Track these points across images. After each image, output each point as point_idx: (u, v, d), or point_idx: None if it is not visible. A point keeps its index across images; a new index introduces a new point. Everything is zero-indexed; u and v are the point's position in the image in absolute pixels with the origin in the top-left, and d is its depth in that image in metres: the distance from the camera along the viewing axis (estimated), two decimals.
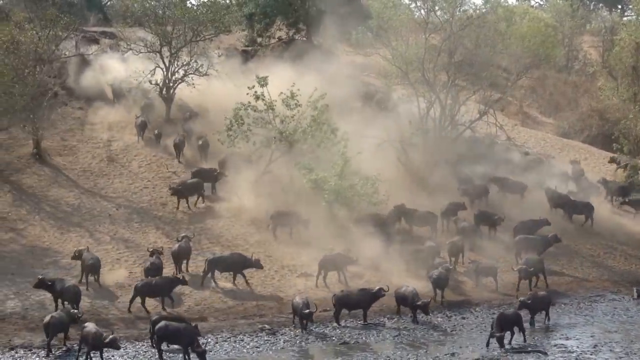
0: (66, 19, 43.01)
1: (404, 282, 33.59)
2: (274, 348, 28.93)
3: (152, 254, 33.29)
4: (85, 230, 36.60)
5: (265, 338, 29.74)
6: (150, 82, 44.81)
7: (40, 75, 42.22)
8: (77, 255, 33.02)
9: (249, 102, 40.74)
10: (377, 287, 31.97)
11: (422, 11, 47.64)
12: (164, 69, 45.29)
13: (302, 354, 28.62)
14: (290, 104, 40.69)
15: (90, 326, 26.78)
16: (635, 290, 37.07)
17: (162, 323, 27.20)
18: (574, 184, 45.90)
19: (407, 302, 31.92)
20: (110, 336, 26.45)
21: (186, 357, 26.77)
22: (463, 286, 35.94)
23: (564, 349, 29.28)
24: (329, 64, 48.89)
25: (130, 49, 45.54)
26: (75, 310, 28.71)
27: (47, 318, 27.59)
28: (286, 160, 40.79)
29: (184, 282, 31.84)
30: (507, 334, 28.94)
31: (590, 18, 77.64)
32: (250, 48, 55.93)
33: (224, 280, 33.78)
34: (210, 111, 45.82)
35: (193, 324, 27.86)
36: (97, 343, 26.31)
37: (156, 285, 31.10)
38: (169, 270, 33.18)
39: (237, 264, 33.58)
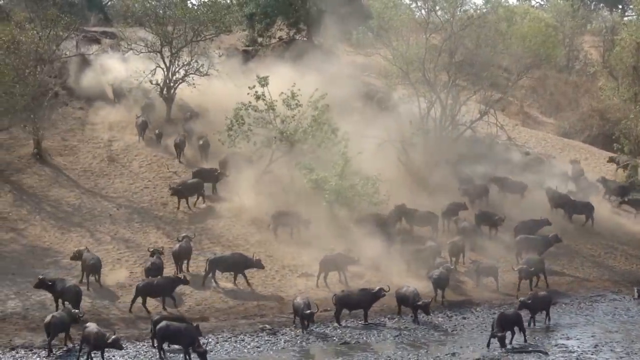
0: (67, 19, 43.01)
1: (405, 282, 33.59)
2: (274, 348, 28.93)
3: (152, 254, 33.29)
4: (86, 230, 36.61)
5: (266, 338, 29.74)
6: (150, 82, 44.82)
7: (40, 75, 42.24)
8: (77, 256, 33.00)
9: (250, 102, 40.76)
10: (378, 287, 31.97)
11: (423, 11, 47.72)
12: (165, 69, 45.31)
13: (302, 354, 28.62)
14: (291, 104, 40.70)
15: (92, 326, 26.78)
16: (636, 290, 37.06)
17: (163, 323, 27.20)
18: (573, 184, 45.88)
19: (408, 302, 31.91)
20: (113, 336, 26.47)
21: (187, 357, 26.77)
22: (464, 286, 35.94)
23: (564, 349, 29.28)
24: (329, 64, 48.92)
25: (131, 49, 45.54)
26: (77, 310, 28.71)
27: (48, 318, 27.59)
28: (287, 160, 40.80)
29: (185, 282, 31.84)
30: (508, 334, 28.93)
31: (591, 18, 77.64)
32: (250, 48, 55.96)
33: (224, 280, 33.79)
34: (211, 111, 45.83)
35: (194, 324, 27.88)
36: (99, 343, 26.33)
37: (158, 285, 31.10)
38: (169, 270, 33.17)
39: (239, 264, 33.58)
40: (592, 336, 31.04)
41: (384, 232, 37.34)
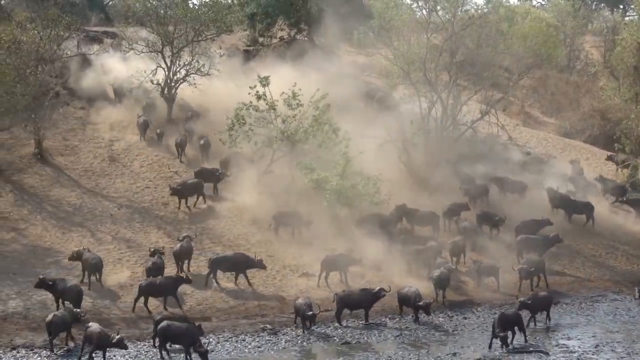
0: (68, 18, 43.01)
1: (406, 282, 33.60)
2: (275, 348, 28.94)
3: (153, 254, 33.28)
4: (86, 230, 36.62)
5: (267, 338, 29.75)
6: (151, 81, 44.83)
7: (42, 75, 42.24)
8: (76, 256, 32.95)
9: (251, 102, 40.78)
10: (378, 288, 31.96)
11: (424, 11, 47.74)
12: (166, 69, 45.33)
13: (303, 354, 28.63)
14: (292, 103, 40.71)
15: (94, 326, 26.79)
16: (637, 290, 37.05)
17: (164, 323, 27.21)
18: (575, 184, 45.86)
19: (410, 303, 31.91)
20: (117, 336, 26.48)
21: (188, 357, 26.77)
22: (465, 286, 35.94)
23: (565, 349, 29.27)
24: (330, 63, 48.96)
25: (132, 48, 45.53)
26: (78, 310, 28.72)
27: (50, 317, 27.62)
28: (288, 160, 40.80)
29: (188, 281, 31.86)
30: (509, 334, 28.93)
31: (592, 18, 77.61)
32: (252, 48, 55.99)
33: (225, 280, 33.79)
34: (212, 111, 45.85)
35: (197, 324, 27.90)
36: (102, 343, 26.34)
37: (160, 285, 31.12)
38: (170, 270, 33.16)
39: (240, 264, 33.58)
40: (593, 336, 31.04)
41: (385, 232, 37.33)
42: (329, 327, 30.98)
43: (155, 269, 32.17)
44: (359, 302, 31.68)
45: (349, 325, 31.42)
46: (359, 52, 54.25)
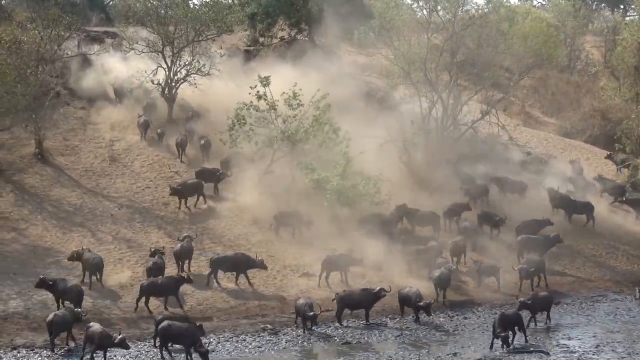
0: (68, 18, 43.02)
1: (406, 282, 33.60)
2: (276, 348, 28.94)
3: (153, 254, 33.27)
4: (87, 230, 36.62)
5: (268, 338, 29.76)
6: (152, 81, 44.84)
7: (42, 75, 42.25)
8: (74, 257, 32.91)
9: (251, 102, 40.78)
10: (379, 288, 31.96)
11: (425, 11, 47.74)
12: (166, 69, 45.33)
13: (304, 354, 28.63)
14: (293, 103, 40.70)
15: (95, 326, 26.80)
16: (637, 290, 37.06)
17: (165, 323, 27.22)
18: (574, 184, 45.85)
19: (410, 303, 31.91)
20: (120, 336, 26.49)
21: (189, 357, 26.78)
22: (465, 286, 35.93)
23: (566, 349, 29.27)
24: (331, 63, 48.97)
25: (133, 48, 45.53)
26: (79, 309, 28.73)
27: (51, 316, 27.64)
28: (288, 160, 40.79)
29: (189, 281, 31.87)
30: (509, 334, 28.94)
31: (593, 18, 77.55)
32: (252, 48, 55.98)
33: (226, 280, 33.79)
34: (212, 111, 45.85)
35: (198, 324, 27.92)
36: (104, 343, 26.34)
37: (162, 284, 31.12)
38: (171, 270, 33.16)
39: (241, 264, 33.58)
40: (594, 336, 31.04)
41: (386, 232, 37.33)
42: (330, 327, 30.99)
43: (156, 269, 32.19)
44: (359, 302, 31.68)
45: (350, 325, 31.43)
46: (359, 52, 54.25)
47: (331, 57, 51.23)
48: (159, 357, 27.30)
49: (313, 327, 30.24)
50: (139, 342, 28.47)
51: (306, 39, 56.93)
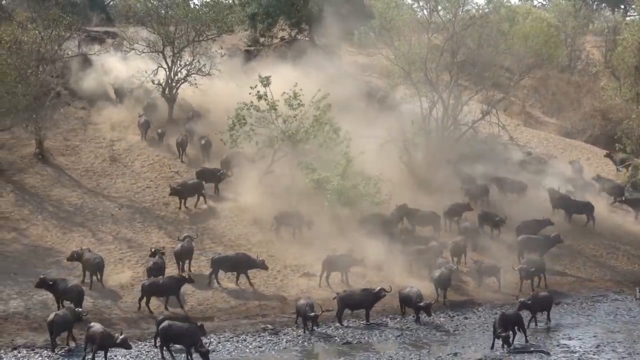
0: (69, 18, 43.05)
1: (407, 282, 33.60)
2: (276, 348, 28.95)
3: (154, 254, 33.26)
4: (87, 230, 36.63)
5: (268, 338, 29.76)
6: (152, 82, 44.84)
7: (43, 75, 42.26)
8: (76, 257, 32.88)
9: (252, 102, 40.78)
10: (379, 288, 31.95)
11: (425, 11, 47.70)
12: (167, 69, 45.34)
13: (304, 354, 28.64)
14: (293, 103, 40.70)
15: (97, 326, 26.80)
16: (638, 290, 37.08)
17: (166, 323, 27.22)
18: (574, 184, 45.86)
19: (411, 303, 31.91)
20: (121, 336, 26.50)
21: (189, 357, 26.78)
22: (466, 286, 35.93)
23: (566, 349, 29.27)
24: (331, 63, 48.95)
25: (133, 48, 45.54)
26: (80, 309, 28.73)
27: (52, 316, 27.66)
28: (289, 160, 40.78)
29: (190, 281, 31.87)
30: (510, 334, 28.95)
31: (593, 18, 77.53)
32: (252, 48, 55.98)
33: (226, 280, 33.79)
34: (213, 111, 45.85)
35: (199, 324, 27.94)
36: (106, 343, 26.35)
37: (163, 284, 31.13)
38: (171, 270, 33.15)
39: (242, 264, 33.57)
40: (594, 336, 31.04)
41: (386, 232, 37.33)
42: (330, 327, 30.99)
43: (156, 269, 32.18)
44: (360, 302, 31.68)
45: (350, 325, 31.43)
46: (359, 52, 54.21)
47: (331, 57, 51.25)
48: (160, 357, 27.30)
49: (314, 328, 30.22)
50: (140, 342, 28.47)
51: (307, 39, 56.94)
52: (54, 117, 43.07)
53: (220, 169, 40.83)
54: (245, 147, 41.29)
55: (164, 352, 27.32)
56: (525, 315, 30.96)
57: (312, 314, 29.96)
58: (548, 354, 28.60)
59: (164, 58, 45.25)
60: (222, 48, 48.61)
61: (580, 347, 29.51)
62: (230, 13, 47.91)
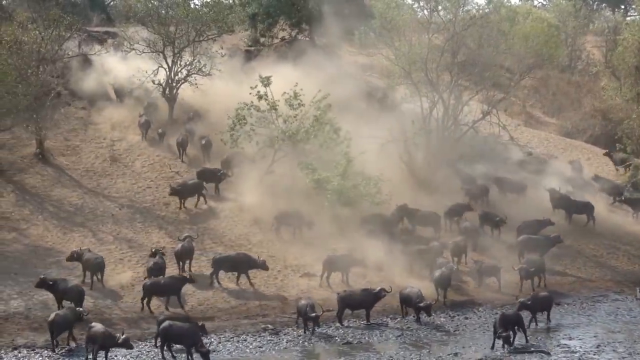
0: (69, 19, 43.09)
1: (407, 282, 33.60)
2: (276, 348, 28.95)
3: (154, 254, 33.23)
4: (88, 230, 36.64)
5: (268, 338, 29.77)
6: (153, 82, 44.85)
7: (43, 75, 42.27)
8: (75, 257, 32.86)
9: (252, 102, 40.78)
10: (379, 288, 31.95)
11: (425, 11, 47.68)
12: (167, 69, 45.34)
13: (305, 354, 28.64)
14: (294, 103, 40.70)
15: (98, 326, 26.81)
16: (638, 291, 37.09)
17: (166, 323, 27.23)
18: (573, 184, 45.86)
19: (411, 303, 31.90)
20: (123, 336, 26.51)
21: (190, 357, 26.78)
22: (466, 286, 35.92)
23: (567, 349, 29.27)
24: (331, 64, 48.92)
25: (133, 49, 45.54)
26: (80, 309, 28.73)
27: (52, 316, 27.68)
28: (289, 160, 40.77)
29: (192, 281, 31.87)
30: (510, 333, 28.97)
31: (594, 18, 77.50)
32: (253, 48, 55.98)
33: (227, 281, 33.79)
34: (213, 111, 45.84)
35: (200, 324, 27.96)
36: (108, 343, 26.35)
37: (165, 284, 31.13)
38: (172, 270, 33.15)
39: (243, 264, 33.57)
40: (595, 336, 31.04)
41: (387, 232, 37.32)
42: (331, 327, 30.99)
43: (157, 269, 32.18)
44: (360, 302, 31.68)
45: (351, 325, 31.43)
46: (360, 52, 54.18)
47: (332, 57, 51.25)
48: (160, 357, 27.30)
49: (316, 328, 30.21)
50: (140, 342, 28.47)
51: (307, 39, 56.92)
52: (54, 117, 43.08)
53: (220, 169, 40.83)
54: (246, 147, 41.28)
55: (165, 352, 27.32)
56: (526, 315, 30.97)
57: (313, 314, 29.96)
58: (548, 354, 28.60)
59: (164, 58, 45.26)
60: (222, 48, 48.62)
61: (581, 347, 29.51)
62: (231, 13, 47.93)
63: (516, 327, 29.28)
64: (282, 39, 57.49)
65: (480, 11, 47.01)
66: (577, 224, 42.40)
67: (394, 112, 46.32)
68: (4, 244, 35.06)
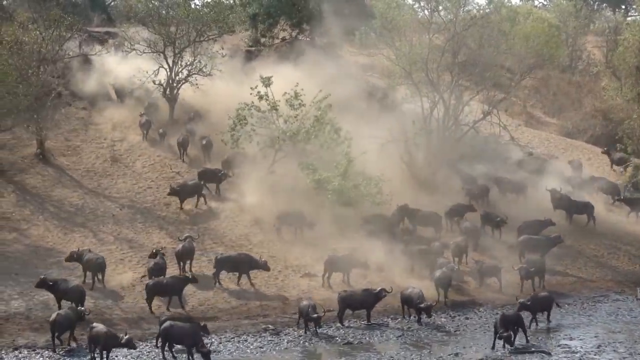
0: (70, 19, 43.12)
1: (408, 282, 33.60)
2: (277, 348, 28.95)
3: (155, 254, 33.20)
4: (88, 230, 36.64)
5: (269, 338, 29.77)
6: (153, 82, 44.86)
7: (44, 76, 42.29)
8: (75, 258, 32.84)
9: (252, 102, 40.78)
10: (379, 288, 31.95)
11: (426, 11, 47.72)
12: (168, 69, 45.35)
13: (305, 355, 28.64)
14: (294, 104, 40.70)
15: (99, 327, 26.81)
16: (639, 291, 37.07)
17: (167, 323, 27.24)
18: (572, 183, 45.86)
19: (412, 304, 31.90)
20: (126, 337, 26.52)
21: (190, 357, 26.78)
22: (467, 286, 35.93)
23: (567, 349, 29.26)
24: (332, 64, 48.90)
25: (134, 49, 45.55)
26: (82, 308, 28.73)
27: (54, 316, 27.69)
28: (290, 160, 40.77)
29: (194, 281, 31.87)
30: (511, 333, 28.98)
31: (594, 18, 77.48)
32: (253, 48, 55.98)
33: (227, 281, 33.79)
34: (214, 111, 45.85)
35: (202, 324, 27.96)
36: (110, 343, 26.35)
37: (167, 284, 31.13)
38: (172, 270, 33.14)
39: (244, 265, 33.57)
40: (595, 337, 31.03)
41: (388, 232, 37.31)
42: (331, 327, 30.99)
43: (157, 270, 32.18)
44: (361, 303, 31.68)
45: (351, 325, 31.44)
46: (360, 52, 54.13)
47: (332, 58, 51.22)
48: (161, 357, 27.30)
49: (318, 329, 30.21)
50: (141, 343, 28.45)
51: (307, 39, 56.90)
52: (55, 117, 43.08)
53: (221, 169, 40.83)
54: (247, 148, 41.29)
55: (165, 352, 27.32)
56: (527, 315, 30.97)
57: (315, 315, 29.96)
58: (549, 354, 28.60)
59: (165, 58, 45.27)
60: (223, 48, 48.63)
61: (582, 348, 29.51)
62: (231, 13, 47.91)
63: (517, 327, 29.28)
64: (283, 39, 57.48)
65: (481, 11, 47.01)
66: (577, 224, 42.39)
67: (395, 112, 46.32)
68: (5, 244, 35.07)
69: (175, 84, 45.64)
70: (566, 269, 38.88)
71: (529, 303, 31.54)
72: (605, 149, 51.51)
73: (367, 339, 30.08)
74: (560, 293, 35.91)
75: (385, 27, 45.99)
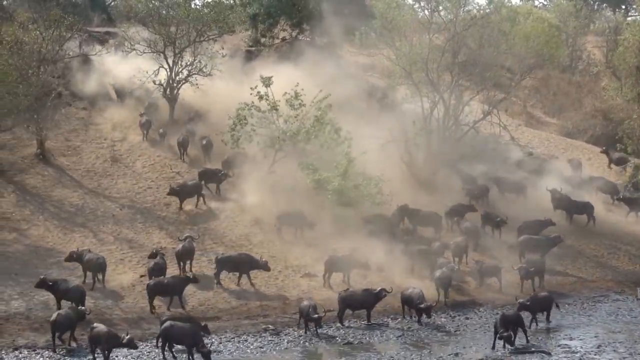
0: (70, 19, 43.11)
1: (408, 282, 33.60)
2: (277, 348, 28.96)
3: (154, 255, 33.19)
4: (89, 230, 36.64)
5: (269, 338, 29.78)
6: (153, 82, 44.86)
7: (44, 76, 42.29)
8: (74, 258, 32.81)
9: (253, 102, 40.78)
10: (379, 288, 31.95)
11: (426, 11, 47.69)
12: (168, 69, 45.35)
13: (305, 355, 28.65)
14: (294, 104, 40.70)
15: (100, 327, 26.82)
16: (639, 291, 37.07)
17: (167, 323, 27.25)
18: (572, 183, 45.88)
19: (412, 304, 31.90)
20: (128, 337, 26.52)
21: (190, 357, 26.79)
22: (467, 286, 35.93)
23: (567, 349, 29.27)
24: (332, 64, 48.90)
25: (134, 49, 45.56)
26: (83, 307, 28.73)
27: (54, 315, 27.70)
28: (290, 160, 40.76)
29: (195, 281, 31.86)
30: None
31: (594, 18, 77.47)
32: (254, 48, 55.98)
33: (227, 281, 33.79)
34: (214, 111, 45.84)
35: (203, 324, 27.96)
36: (111, 343, 26.35)
37: (168, 284, 31.13)
38: (172, 270, 33.14)
39: (244, 265, 33.57)
40: (595, 337, 31.04)
41: (388, 232, 37.31)
42: (332, 327, 30.99)
43: (157, 270, 32.18)
44: (361, 303, 31.68)
45: (351, 325, 31.44)
46: (361, 52, 54.13)
47: (333, 58, 51.22)
48: (161, 357, 27.30)
49: (318, 329, 30.20)
50: (141, 343, 28.44)
51: (308, 39, 56.90)
52: (55, 117, 43.08)
53: (221, 169, 40.84)
54: (247, 148, 41.29)
55: (165, 352, 27.32)
56: (527, 315, 30.97)
57: (316, 315, 29.96)
58: (549, 354, 28.61)
59: (165, 58, 45.26)
60: (223, 48, 48.64)
61: (582, 348, 29.51)
62: (232, 13, 47.89)
63: (517, 327, 29.28)
64: (283, 39, 57.47)
65: (481, 11, 46.99)
66: (577, 224, 42.39)
67: (395, 112, 46.32)
68: (5, 245, 35.07)
69: (175, 84, 45.64)
70: (566, 269, 38.89)
71: (528, 303, 31.53)
72: (604, 148, 51.57)
73: (367, 339, 30.09)
74: (560, 293, 35.92)
75: (385, 27, 45.99)
